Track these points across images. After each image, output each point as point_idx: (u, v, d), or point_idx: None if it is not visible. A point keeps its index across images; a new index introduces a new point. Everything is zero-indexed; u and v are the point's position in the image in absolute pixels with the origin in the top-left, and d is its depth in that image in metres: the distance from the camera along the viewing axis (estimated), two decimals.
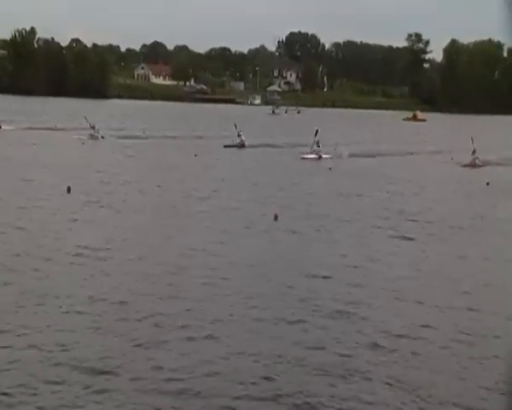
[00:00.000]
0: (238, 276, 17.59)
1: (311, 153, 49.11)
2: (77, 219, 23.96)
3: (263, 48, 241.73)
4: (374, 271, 18.50)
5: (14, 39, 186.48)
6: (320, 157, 48.47)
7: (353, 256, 19.77)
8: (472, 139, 47.97)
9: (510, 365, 10.95)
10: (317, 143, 48.95)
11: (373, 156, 55.08)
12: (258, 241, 21.82)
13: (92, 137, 56.77)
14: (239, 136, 55.65)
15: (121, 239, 21.03)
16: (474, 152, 48.17)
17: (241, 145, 55.34)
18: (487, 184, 39.08)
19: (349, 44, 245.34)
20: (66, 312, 13.98)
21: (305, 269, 18.42)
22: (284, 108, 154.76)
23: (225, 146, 55.43)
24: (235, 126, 56.73)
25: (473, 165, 48.07)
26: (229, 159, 48.69)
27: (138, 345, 12.45)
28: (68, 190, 29.67)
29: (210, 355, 12.17)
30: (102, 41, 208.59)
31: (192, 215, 25.87)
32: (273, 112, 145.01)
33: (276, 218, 24.90)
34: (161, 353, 12.17)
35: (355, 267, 18.65)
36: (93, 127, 57.07)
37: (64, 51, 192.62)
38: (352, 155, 50.20)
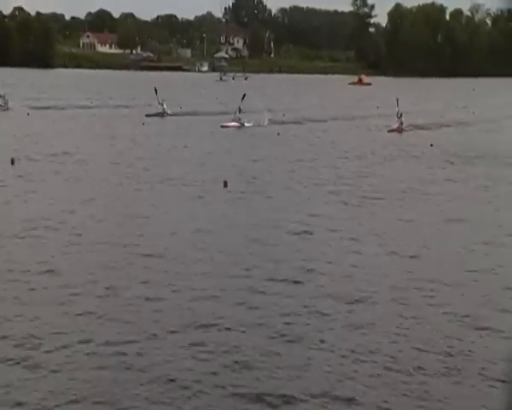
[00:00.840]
0: (188, 244, 17.45)
1: (233, 121, 46.82)
2: (22, 191, 23.62)
3: (209, 14, 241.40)
4: (321, 236, 18.55)
5: None
6: (242, 125, 46.62)
7: (300, 222, 19.77)
8: (397, 101, 45.87)
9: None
10: (239, 110, 46.88)
11: (321, 121, 54.86)
12: (208, 207, 21.80)
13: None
14: (160, 104, 54.08)
15: (67, 211, 20.70)
16: (400, 115, 45.87)
17: (163, 114, 53.90)
18: (431, 145, 39.44)
19: (295, 10, 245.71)
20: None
21: (255, 235, 18.44)
22: (231, 74, 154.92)
23: (147, 115, 53.17)
24: (156, 91, 54.06)
25: (399, 130, 45.86)
26: (167, 128, 47.54)
27: (71, 313, 12.26)
28: (12, 161, 29.08)
29: (153, 326, 11.95)
30: (46, 9, 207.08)
31: (140, 184, 25.62)
32: (220, 79, 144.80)
33: (225, 184, 24.86)
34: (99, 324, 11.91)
35: (303, 232, 18.67)
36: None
37: (6, 20, 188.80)
38: (272, 122, 48.88)
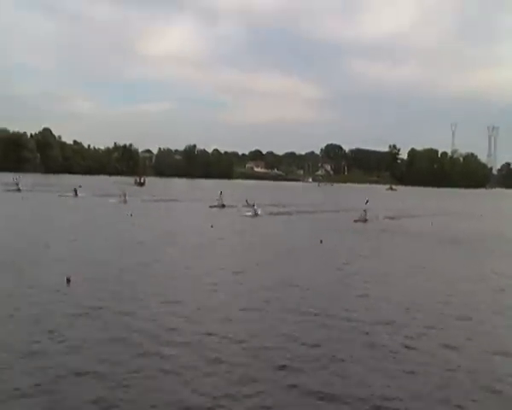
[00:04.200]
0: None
1: (248, 211, 37.32)
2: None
3: (312, 152, 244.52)
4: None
5: (187, 151, 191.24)
6: (256, 214, 36.65)
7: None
8: (367, 201, 37.00)
9: None
10: (253, 206, 37.46)
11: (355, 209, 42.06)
12: (309, 254, 19.85)
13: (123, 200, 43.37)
14: (220, 199, 43.00)
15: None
16: (364, 211, 35.68)
17: (222, 206, 42.59)
18: (431, 224, 34.66)
19: (358, 150, 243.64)
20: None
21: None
22: (324, 183, 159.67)
23: (210, 206, 41.98)
24: (220, 193, 43.83)
25: (363, 220, 35.06)
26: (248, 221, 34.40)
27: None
28: (212, 226, 27.07)
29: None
30: (229, 149, 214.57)
31: (258, 236, 23.99)
32: (318, 185, 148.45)
33: (321, 242, 22.82)
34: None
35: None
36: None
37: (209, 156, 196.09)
38: (266, 213, 38.32)
